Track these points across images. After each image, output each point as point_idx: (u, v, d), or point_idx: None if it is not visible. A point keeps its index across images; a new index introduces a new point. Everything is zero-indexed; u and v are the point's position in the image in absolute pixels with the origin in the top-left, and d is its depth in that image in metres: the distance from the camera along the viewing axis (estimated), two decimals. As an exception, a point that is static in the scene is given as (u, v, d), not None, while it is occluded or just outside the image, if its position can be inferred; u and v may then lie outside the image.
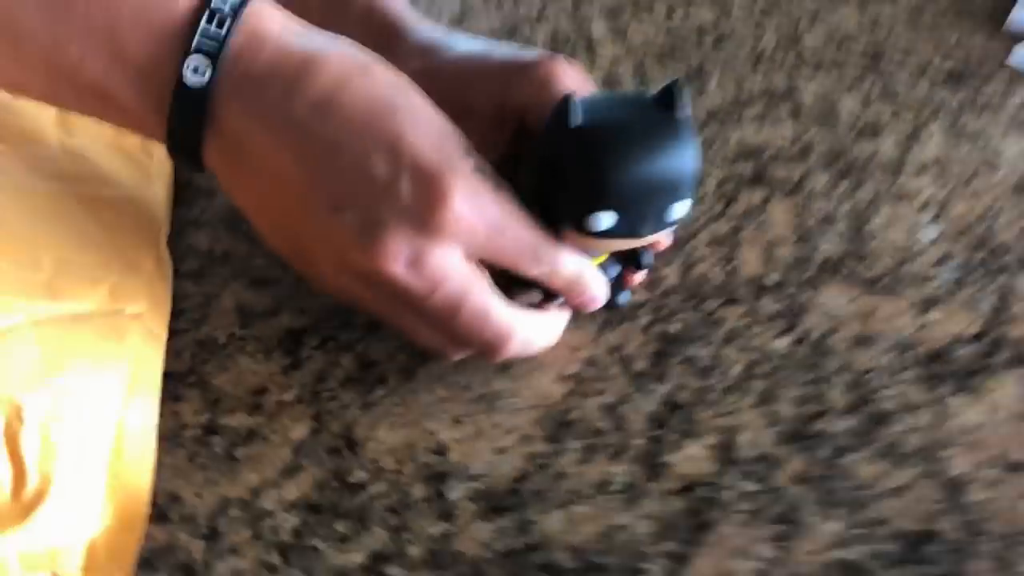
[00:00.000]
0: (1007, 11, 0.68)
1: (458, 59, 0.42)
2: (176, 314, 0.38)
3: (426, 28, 0.45)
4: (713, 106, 0.55)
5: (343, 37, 0.33)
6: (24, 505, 0.28)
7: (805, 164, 0.51)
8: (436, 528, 0.33)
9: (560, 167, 0.33)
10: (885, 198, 0.50)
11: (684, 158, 0.33)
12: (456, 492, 0.34)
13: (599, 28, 0.61)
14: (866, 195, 0.50)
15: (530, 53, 0.39)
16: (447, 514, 0.33)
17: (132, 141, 0.40)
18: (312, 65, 0.31)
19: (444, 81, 0.42)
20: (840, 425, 0.38)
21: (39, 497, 0.28)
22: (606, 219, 0.32)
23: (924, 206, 0.50)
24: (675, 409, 0.37)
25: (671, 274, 0.43)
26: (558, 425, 0.36)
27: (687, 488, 0.35)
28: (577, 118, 0.32)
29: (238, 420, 0.35)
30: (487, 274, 0.34)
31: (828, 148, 0.53)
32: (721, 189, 0.49)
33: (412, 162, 0.31)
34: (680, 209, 0.34)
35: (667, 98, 0.33)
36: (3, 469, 0.28)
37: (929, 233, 0.48)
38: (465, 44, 0.43)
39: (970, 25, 0.67)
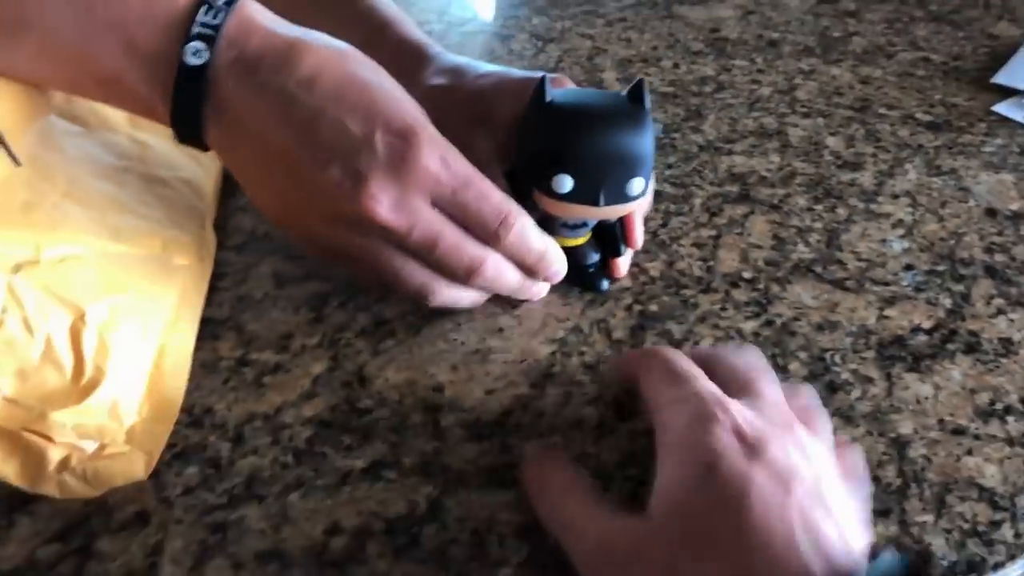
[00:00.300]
0: (994, 71, 0.74)
1: (479, 76, 0.49)
2: (220, 276, 0.45)
3: (451, 55, 0.52)
4: (706, 140, 0.61)
5: (320, 32, 0.39)
6: (81, 389, 0.33)
7: (787, 188, 0.57)
8: (429, 445, 0.38)
9: (531, 135, 0.40)
10: (859, 218, 0.55)
11: (639, 139, 0.39)
12: (448, 420, 0.39)
13: (609, 76, 0.68)
14: (842, 215, 0.55)
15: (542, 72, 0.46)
16: (439, 435, 0.38)
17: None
18: (297, 48, 0.37)
19: (467, 94, 0.49)
20: (797, 389, 0.42)
21: (93, 384, 0.34)
22: (567, 182, 0.39)
23: (895, 225, 0.55)
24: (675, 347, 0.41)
25: (654, 268, 0.49)
26: (543, 376, 0.42)
27: (652, 430, 0.39)
28: (549, 94, 0.39)
29: (267, 356, 0.41)
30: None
31: (810, 177, 0.58)
32: (707, 204, 0.54)
33: (385, 121, 0.37)
34: (637, 186, 0.40)
35: (636, 92, 0.40)
36: (67, 359, 0.34)
37: (897, 246, 0.53)
38: (486, 67, 0.50)
39: (956, 85, 0.73)
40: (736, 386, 0.35)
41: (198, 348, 0.41)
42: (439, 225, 0.38)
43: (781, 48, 0.76)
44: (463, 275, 0.40)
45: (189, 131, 0.37)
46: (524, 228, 0.40)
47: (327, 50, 0.38)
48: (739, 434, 0.31)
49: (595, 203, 0.40)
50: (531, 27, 0.75)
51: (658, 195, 0.54)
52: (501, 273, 0.41)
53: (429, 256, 0.39)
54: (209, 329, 0.42)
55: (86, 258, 0.36)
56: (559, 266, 0.43)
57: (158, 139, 0.46)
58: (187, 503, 0.35)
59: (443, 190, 0.38)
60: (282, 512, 0.35)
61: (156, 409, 0.36)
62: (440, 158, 0.37)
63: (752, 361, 0.37)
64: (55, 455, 0.33)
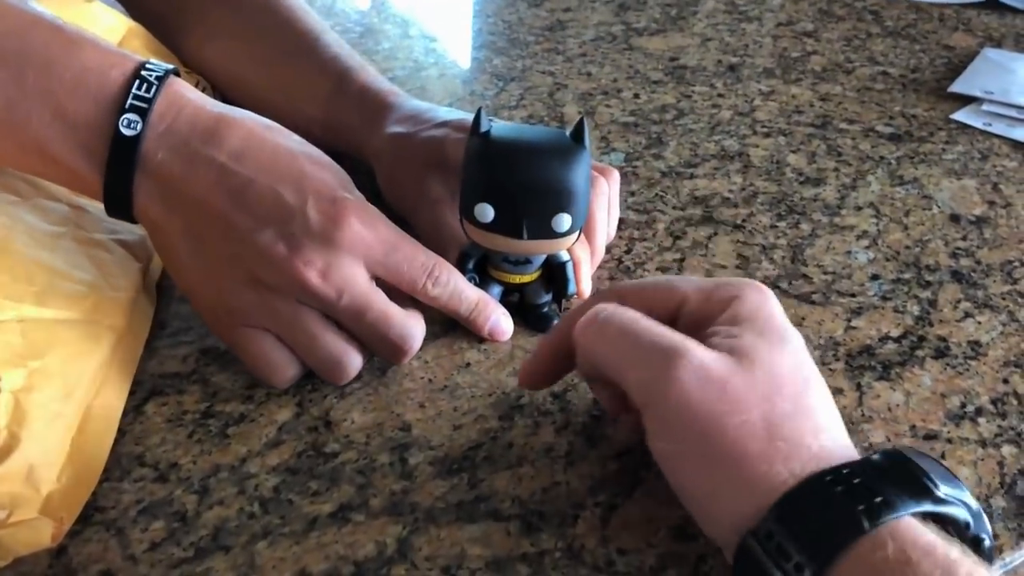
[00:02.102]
0: (952, 81, 0.75)
1: (436, 124, 0.50)
2: (183, 331, 0.44)
3: (413, 101, 0.53)
4: (668, 166, 0.61)
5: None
6: None
7: (750, 207, 0.57)
8: (397, 485, 0.37)
9: (464, 165, 0.40)
10: (823, 232, 0.55)
11: (566, 174, 0.39)
12: (416, 458, 0.39)
13: (570, 110, 0.68)
14: (805, 230, 0.55)
15: None
16: (407, 474, 0.38)
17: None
18: (225, 121, 0.38)
19: (423, 141, 0.49)
20: (766, 404, 0.42)
21: (6, 451, 0.33)
22: (488, 211, 0.39)
23: (860, 236, 0.55)
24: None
25: (621, 294, 0.49)
26: (511, 408, 0.41)
27: (621, 453, 0.39)
28: (485, 125, 0.39)
29: (232, 407, 0.41)
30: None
31: (772, 195, 0.59)
32: (670, 228, 0.55)
33: (315, 190, 0.38)
34: (564, 222, 0.40)
35: (577, 131, 0.40)
36: None
37: (862, 257, 0.53)
38: (444, 113, 0.51)
39: (915, 96, 0.73)
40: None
41: (163, 403, 0.40)
42: (367, 294, 0.39)
43: (740, 72, 0.77)
44: (393, 342, 0.40)
45: (119, 201, 0.38)
46: (452, 280, 0.42)
47: (253, 123, 0.39)
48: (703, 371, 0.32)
49: (518, 236, 0.40)
50: (492, 67, 0.76)
51: (621, 222, 0.55)
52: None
53: (358, 324, 0.39)
54: (174, 384, 0.42)
55: (7, 324, 0.36)
56: (497, 316, 0.44)
57: (96, 202, 0.46)
58: (153, 558, 0.34)
59: (374, 254, 0.39)
60: (249, 561, 0.34)
61: (78, 472, 0.35)
62: (369, 224, 0.38)
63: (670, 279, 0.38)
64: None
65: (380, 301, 0.39)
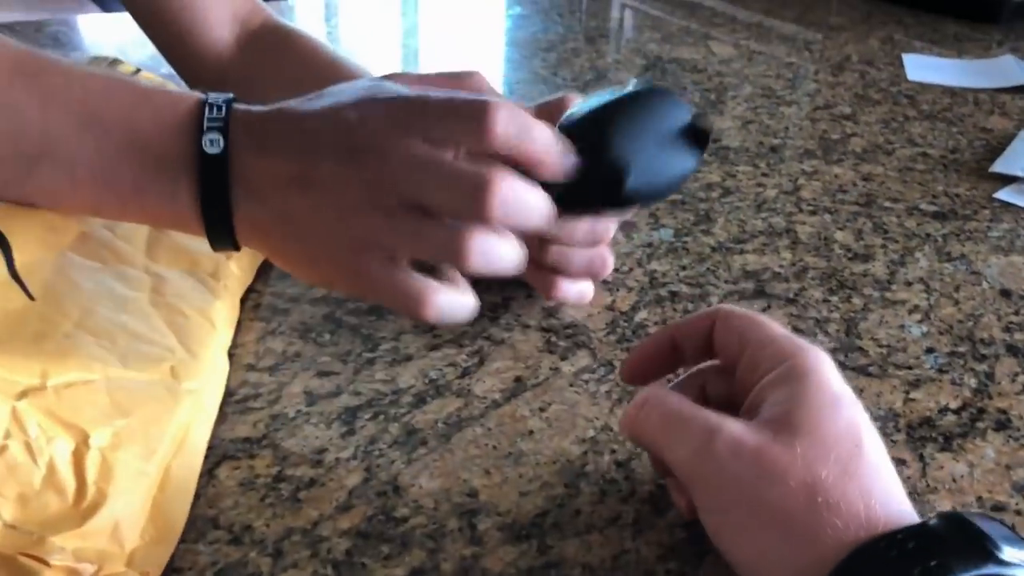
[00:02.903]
0: (991, 162, 0.76)
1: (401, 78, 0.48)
2: (254, 397, 0.45)
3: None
4: (717, 242, 0.62)
5: None
6: (82, 512, 0.34)
7: (801, 282, 0.58)
8: (467, 550, 0.38)
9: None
10: (875, 306, 0.56)
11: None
12: (485, 523, 0.39)
13: (618, 188, 0.70)
14: (858, 304, 0.56)
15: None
16: (477, 540, 0.38)
17: (203, 267, 0.49)
18: (289, 104, 0.40)
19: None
20: (830, 474, 0.42)
21: (94, 508, 0.34)
22: None
23: (912, 310, 0.55)
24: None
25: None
26: (576, 475, 0.42)
27: (689, 523, 0.39)
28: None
29: (302, 471, 0.41)
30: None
31: (822, 271, 0.59)
32: (724, 301, 0.55)
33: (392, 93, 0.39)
34: None
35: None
36: (69, 483, 0.34)
37: (916, 331, 0.53)
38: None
39: (956, 176, 0.75)
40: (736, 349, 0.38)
41: (235, 467, 0.41)
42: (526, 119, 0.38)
43: (782, 152, 0.79)
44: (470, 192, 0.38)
45: (219, 222, 0.39)
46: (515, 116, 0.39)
47: (316, 94, 0.41)
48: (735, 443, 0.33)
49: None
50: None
51: (674, 295, 0.55)
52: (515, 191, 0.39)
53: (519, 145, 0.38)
54: (245, 448, 0.42)
55: (94, 384, 0.37)
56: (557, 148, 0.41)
57: (172, 272, 0.47)
58: (229, 621, 0.35)
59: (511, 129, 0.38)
60: (324, 624, 0.34)
61: (159, 532, 0.36)
62: (507, 115, 0.38)
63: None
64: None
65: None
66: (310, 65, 0.61)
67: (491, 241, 0.38)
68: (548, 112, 0.46)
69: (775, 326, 0.38)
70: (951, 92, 0.96)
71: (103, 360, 0.38)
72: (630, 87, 0.43)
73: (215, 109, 0.39)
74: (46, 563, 0.32)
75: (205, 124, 0.38)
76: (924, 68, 1.03)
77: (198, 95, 0.40)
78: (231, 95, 0.40)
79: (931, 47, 1.14)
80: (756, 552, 0.32)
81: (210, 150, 0.38)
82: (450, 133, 0.38)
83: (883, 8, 1.33)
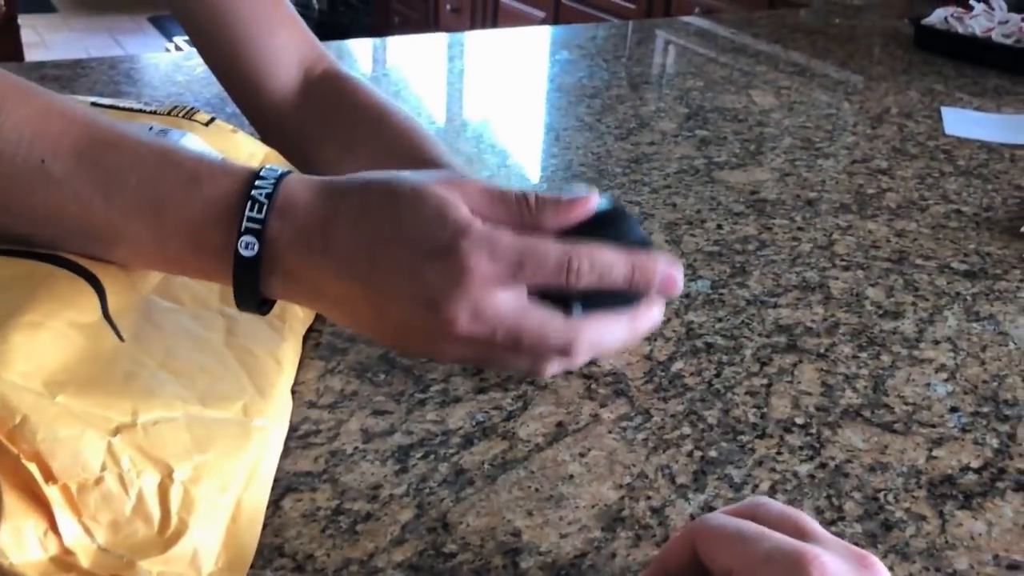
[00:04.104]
0: None
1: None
2: (314, 433, 0.49)
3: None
4: (752, 295, 0.65)
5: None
6: (166, 540, 0.37)
7: (832, 338, 0.61)
8: (510, 586, 0.41)
9: None
10: (903, 364, 0.58)
11: None
12: (528, 562, 0.42)
13: (657, 238, 0.73)
14: (886, 361, 0.58)
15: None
16: (519, 577, 0.41)
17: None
18: (331, 219, 0.42)
19: None
20: (853, 528, 0.45)
21: (177, 536, 0.38)
22: None
23: (938, 369, 0.58)
24: (712, 512, 0.45)
25: (712, 416, 0.52)
26: (612, 520, 0.45)
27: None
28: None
29: (359, 505, 0.44)
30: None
31: (853, 327, 0.62)
32: (757, 355, 0.58)
33: (426, 252, 0.41)
34: None
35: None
36: (155, 512, 0.38)
37: (941, 389, 0.56)
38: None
39: (988, 235, 0.77)
40: (791, 531, 0.35)
41: (298, 499, 0.45)
42: (518, 319, 0.42)
43: (818, 206, 0.81)
44: (558, 354, 0.45)
45: (249, 305, 0.44)
46: (593, 263, 0.43)
47: (354, 210, 0.43)
48: None
49: None
50: (583, 195, 0.82)
51: (710, 347, 0.58)
52: (598, 346, 0.46)
53: (520, 351, 0.44)
54: (307, 482, 0.46)
55: (177, 422, 0.41)
56: (662, 268, 0.46)
57: (243, 314, 0.51)
58: (292, 643, 0.38)
59: (504, 279, 0.42)
60: (379, 650, 0.38)
61: (232, 559, 0.39)
62: (487, 252, 0.41)
63: (787, 508, 0.37)
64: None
65: (532, 321, 0.43)
66: (362, 117, 0.66)
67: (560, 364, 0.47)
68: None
69: (763, 535, 0.34)
70: (988, 148, 0.98)
71: (184, 399, 0.42)
72: (603, 201, 0.48)
73: (256, 206, 0.42)
74: (134, 585, 0.36)
75: (243, 226, 0.42)
76: (962, 122, 1.06)
77: (246, 180, 0.43)
78: (280, 173, 0.43)
79: (971, 100, 1.16)
80: None
81: (245, 253, 0.42)
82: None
83: (925, 57, 1.36)
